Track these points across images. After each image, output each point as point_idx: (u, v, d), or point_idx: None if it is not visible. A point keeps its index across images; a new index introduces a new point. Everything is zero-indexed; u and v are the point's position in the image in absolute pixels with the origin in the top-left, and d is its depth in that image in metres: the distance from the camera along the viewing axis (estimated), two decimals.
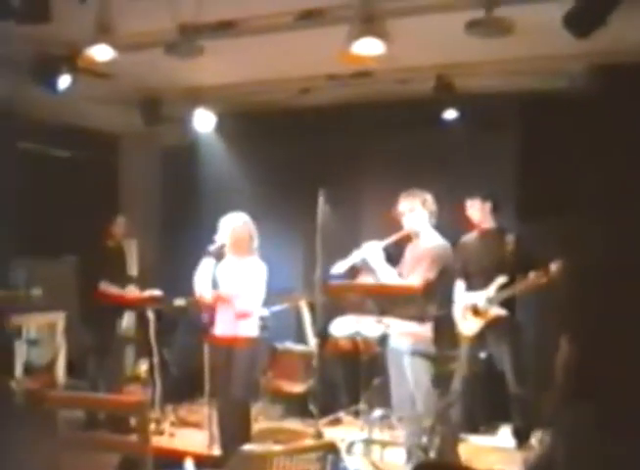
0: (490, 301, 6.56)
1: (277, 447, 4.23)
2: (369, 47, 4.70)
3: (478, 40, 5.52)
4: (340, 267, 5.73)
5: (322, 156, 8.15)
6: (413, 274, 5.55)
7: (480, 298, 6.61)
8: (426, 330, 5.50)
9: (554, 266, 6.25)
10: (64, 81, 6.28)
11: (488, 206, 6.77)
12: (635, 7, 4.81)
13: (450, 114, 7.28)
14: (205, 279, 6.08)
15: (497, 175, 7.24)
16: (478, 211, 6.79)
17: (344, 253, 6.01)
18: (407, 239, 5.82)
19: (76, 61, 5.78)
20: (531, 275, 6.38)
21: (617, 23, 4.84)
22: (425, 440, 5.22)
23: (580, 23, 4.90)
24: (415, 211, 5.72)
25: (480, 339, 6.74)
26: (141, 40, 5.93)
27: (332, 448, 3.60)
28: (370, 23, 4.50)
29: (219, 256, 6.09)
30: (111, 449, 4.00)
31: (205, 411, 6.36)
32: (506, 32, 4.98)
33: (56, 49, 6.11)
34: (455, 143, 7.36)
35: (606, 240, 6.18)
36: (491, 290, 6.58)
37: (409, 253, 5.80)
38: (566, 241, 6.37)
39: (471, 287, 6.71)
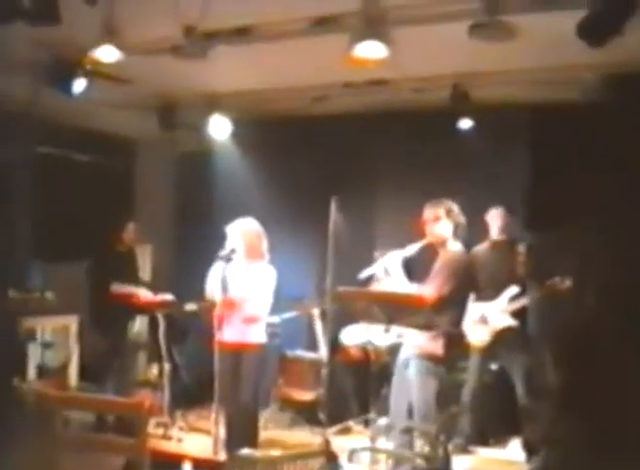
0: (502, 312, 6.52)
1: (275, 452, 4.23)
2: (372, 50, 4.66)
3: (493, 50, 5.51)
4: (365, 273, 5.72)
5: (336, 164, 8.14)
6: (428, 285, 5.50)
7: (491, 308, 6.57)
8: (436, 345, 5.45)
9: (564, 281, 6.22)
10: (79, 85, 6.32)
11: (512, 217, 6.76)
12: None
13: (465, 123, 7.25)
14: (215, 282, 6.08)
15: (511, 185, 7.19)
16: (501, 220, 6.76)
17: (357, 261, 5.99)
18: (434, 252, 5.75)
19: (88, 64, 5.81)
20: (543, 287, 6.35)
21: (633, 33, 4.80)
22: (427, 449, 5.17)
23: (595, 32, 4.85)
24: (439, 220, 5.65)
25: (490, 350, 6.70)
26: (155, 46, 5.96)
27: (330, 456, 3.58)
28: (373, 27, 4.47)
29: (228, 261, 6.08)
30: (109, 451, 3.99)
31: (212, 417, 6.34)
32: (509, 36, 4.94)
33: (72, 53, 6.14)
34: (469, 152, 7.32)
35: (617, 253, 6.15)
36: (503, 300, 6.54)
37: (435, 264, 5.74)
38: (578, 253, 6.34)
39: (480, 297, 6.66)
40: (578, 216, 6.40)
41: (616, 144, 6.18)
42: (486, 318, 6.56)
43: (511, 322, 6.51)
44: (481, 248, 6.87)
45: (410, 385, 5.54)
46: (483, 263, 6.69)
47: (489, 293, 6.60)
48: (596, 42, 4.88)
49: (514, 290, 6.50)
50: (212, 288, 6.12)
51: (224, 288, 6.02)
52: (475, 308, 6.60)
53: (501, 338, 6.58)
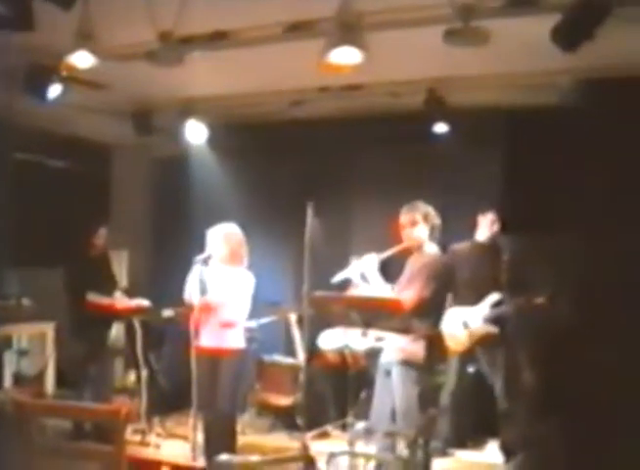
0: (484, 319, 6.55)
1: (253, 458, 4.22)
2: (347, 56, 4.66)
3: (468, 54, 5.54)
4: (339, 277, 5.72)
5: (312, 168, 8.16)
6: (408, 289, 5.49)
7: (473, 314, 6.59)
8: (417, 348, 5.45)
9: (538, 297, 6.28)
10: (53, 90, 6.27)
11: (497, 221, 6.81)
12: (621, 21, 4.81)
13: (441, 127, 7.28)
14: (193, 286, 6.07)
15: (486, 190, 7.22)
16: (491, 224, 6.81)
17: (333, 266, 5.99)
18: (408, 252, 5.76)
19: (63, 69, 5.77)
20: (526, 296, 6.39)
21: (606, 38, 4.85)
22: (406, 453, 5.18)
23: (567, 36, 4.89)
24: (416, 224, 5.65)
25: (469, 354, 6.73)
26: (131, 51, 5.95)
27: (308, 460, 3.58)
28: (348, 33, 4.48)
29: (204, 265, 6.07)
30: (86, 458, 3.97)
31: (190, 423, 6.32)
32: (483, 42, 4.99)
33: (47, 59, 6.11)
34: (445, 157, 7.36)
35: (593, 259, 6.20)
36: (484, 307, 6.56)
37: (408, 266, 5.74)
38: (554, 259, 6.38)
39: (460, 299, 6.67)
40: (555, 222, 6.45)
41: (591, 148, 6.23)
42: (467, 323, 6.59)
43: (491, 328, 6.54)
44: (463, 247, 6.90)
45: (393, 390, 5.53)
46: (464, 263, 6.71)
47: (469, 295, 6.63)
48: (569, 47, 4.92)
49: (495, 296, 6.54)
50: (190, 293, 6.11)
51: (202, 292, 6.01)
52: (456, 313, 6.62)
53: (481, 343, 6.61)
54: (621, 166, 6.16)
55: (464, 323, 6.61)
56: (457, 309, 6.66)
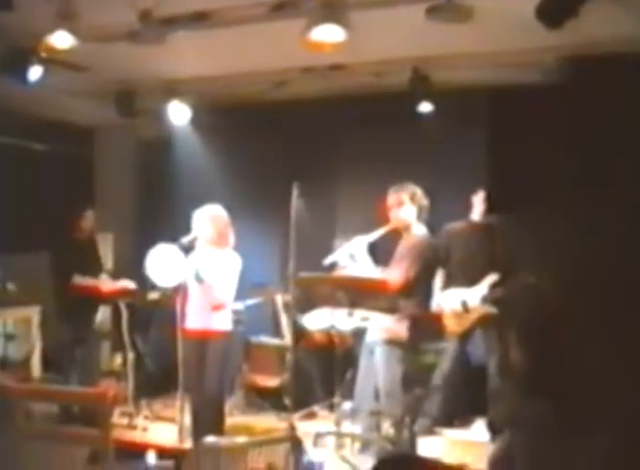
0: (484, 299, 6.52)
1: (240, 439, 4.22)
2: (329, 34, 4.65)
3: (452, 32, 5.52)
4: (329, 259, 5.71)
5: (297, 149, 8.13)
6: (394, 269, 5.50)
7: (472, 295, 6.56)
8: (402, 327, 5.46)
9: (535, 272, 6.26)
10: (34, 73, 6.21)
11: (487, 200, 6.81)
12: None
13: (426, 107, 7.25)
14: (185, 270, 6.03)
15: (474, 169, 7.21)
16: (483, 203, 6.80)
17: (319, 247, 5.98)
18: (398, 234, 5.75)
19: (43, 51, 5.71)
20: (517, 276, 6.37)
21: (590, 15, 4.85)
22: (392, 431, 5.20)
23: (552, 13, 4.90)
24: (402, 205, 5.64)
25: (467, 335, 6.72)
26: (112, 31, 5.89)
27: (295, 441, 3.59)
28: (330, 10, 4.46)
29: (190, 248, 6.05)
30: (73, 442, 3.97)
31: (177, 405, 6.31)
32: (466, 18, 4.98)
33: (27, 40, 6.04)
34: (431, 136, 7.33)
35: (579, 237, 6.20)
36: (483, 287, 6.54)
37: (398, 249, 5.74)
38: (540, 237, 6.38)
39: (454, 278, 6.65)
40: (539, 200, 6.45)
41: (576, 126, 6.23)
42: (466, 303, 6.55)
43: (490, 309, 6.52)
44: (458, 227, 6.87)
45: (376, 368, 5.55)
46: (460, 243, 6.70)
47: (466, 275, 6.60)
48: (554, 24, 4.92)
49: (494, 277, 6.51)
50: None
51: (197, 276, 5.99)
52: (454, 294, 6.60)
53: (480, 323, 6.60)
54: (608, 143, 6.16)
55: (462, 303, 6.59)
56: (456, 290, 6.64)
